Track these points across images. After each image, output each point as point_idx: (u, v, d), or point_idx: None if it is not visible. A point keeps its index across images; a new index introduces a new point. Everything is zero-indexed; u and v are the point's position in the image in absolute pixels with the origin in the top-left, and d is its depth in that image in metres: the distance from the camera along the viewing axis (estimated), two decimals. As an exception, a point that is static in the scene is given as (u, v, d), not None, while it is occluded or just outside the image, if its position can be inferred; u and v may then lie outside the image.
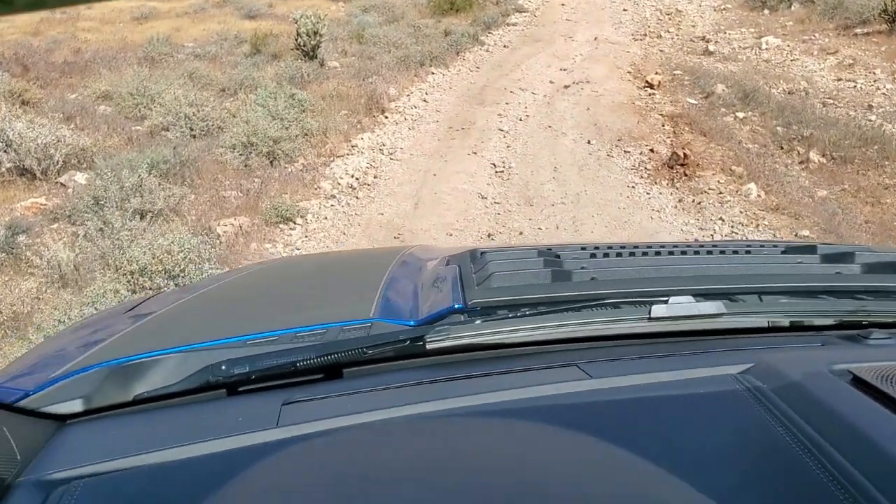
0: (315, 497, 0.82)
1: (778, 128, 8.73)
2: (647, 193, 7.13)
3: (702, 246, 1.67)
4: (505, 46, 14.00)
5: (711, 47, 12.90)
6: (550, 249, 1.59)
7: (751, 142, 8.47)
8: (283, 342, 1.35)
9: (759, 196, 6.84)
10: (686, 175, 7.37)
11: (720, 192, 6.99)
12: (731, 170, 7.42)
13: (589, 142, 8.56)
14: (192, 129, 9.23)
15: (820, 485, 0.82)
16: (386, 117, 9.83)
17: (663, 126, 9.06)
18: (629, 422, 1.03)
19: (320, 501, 0.80)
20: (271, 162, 8.27)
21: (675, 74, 11.42)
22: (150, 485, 0.98)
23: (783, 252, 1.63)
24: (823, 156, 7.82)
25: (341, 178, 7.86)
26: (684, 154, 7.57)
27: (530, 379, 1.17)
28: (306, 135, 8.93)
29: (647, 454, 0.91)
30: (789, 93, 10.15)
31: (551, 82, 11.31)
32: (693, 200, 6.89)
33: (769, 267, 1.51)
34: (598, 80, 11.27)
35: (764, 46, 12.69)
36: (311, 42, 12.26)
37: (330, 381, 1.27)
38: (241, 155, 8.25)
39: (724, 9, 16.05)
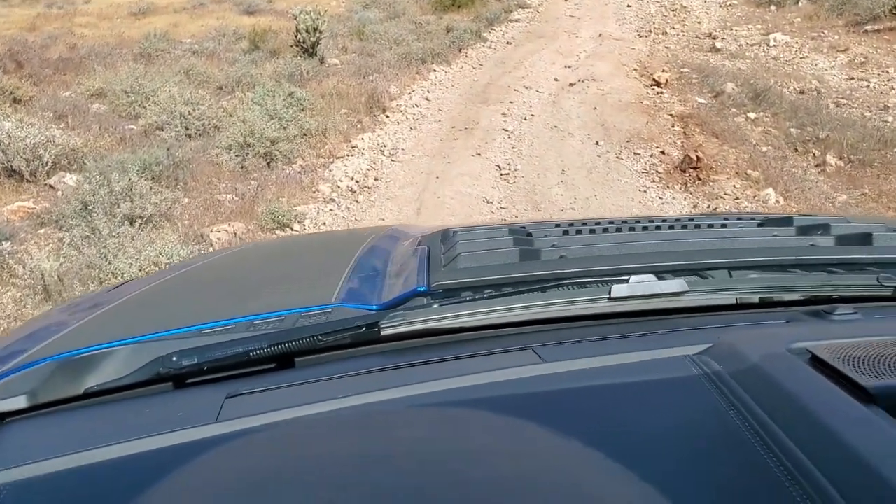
0: (240, 496, 0.76)
1: (791, 129, 8.37)
2: (660, 198, 6.78)
3: (678, 220, 1.62)
4: (508, 43, 13.63)
5: (718, 44, 12.53)
6: (524, 227, 1.55)
7: (764, 144, 8.12)
8: (238, 331, 1.28)
9: (777, 202, 6.48)
10: (700, 179, 7.01)
11: (736, 198, 6.63)
12: (746, 174, 7.07)
13: (597, 143, 8.20)
14: (187, 129, 8.87)
15: (767, 471, 0.78)
16: (387, 116, 9.47)
17: (673, 127, 8.70)
18: (578, 407, 0.99)
19: (246, 497, 0.75)
20: (268, 163, 7.92)
21: (682, 72, 11.06)
22: (81, 484, 0.93)
23: (759, 224, 1.58)
24: (841, 158, 7.47)
25: (341, 181, 7.50)
26: (697, 157, 7.22)
27: (483, 364, 1.13)
28: (305, 135, 8.58)
29: (593, 441, 0.86)
30: (801, 92, 9.79)
31: (556, 80, 10.94)
32: (709, 206, 6.54)
33: (742, 241, 1.46)
34: (603, 77, 10.90)
35: (772, 43, 12.32)
36: (311, 39, 11.90)
37: (281, 372, 1.21)
38: (237, 156, 7.89)
39: (730, 5, 15.67)
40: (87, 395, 1.20)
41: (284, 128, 8.46)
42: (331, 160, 8.12)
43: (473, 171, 7.62)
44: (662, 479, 0.79)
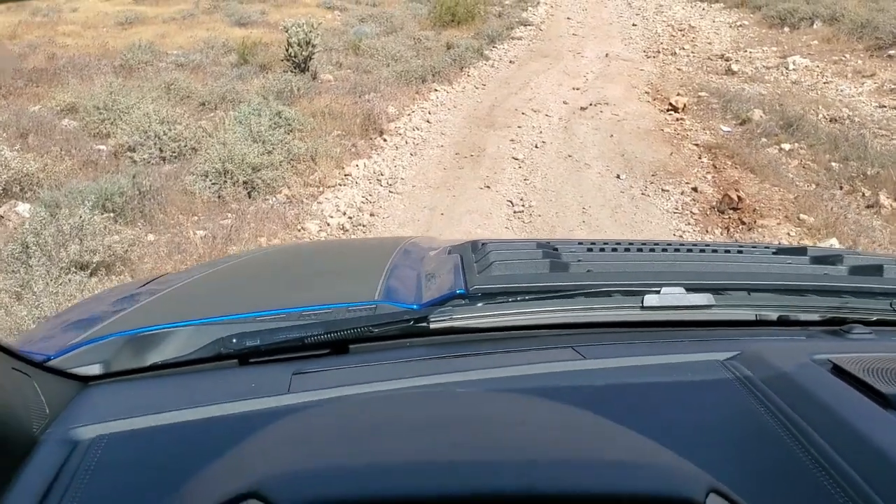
0: (320, 446, 0.76)
1: (833, 163, 7.28)
2: (700, 246, 5.65)
3: (695, 244, 1.64)
4: (511, 62, 12.52)
5: (734, 67, 11.47)
6: (549, 243, 1.59)
7: (804, 180, 7.03)
8: (290, 320, 1.33)
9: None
10: (743, 223, 5.90)
11: (791, 248, 5.51)
12: (798, 218, 5.96)
13: (618, 176, 7.09)
14: (161, 151, 7.71)
15: (799, 463, 0.84)
16: (384, 140, 8.32)
17: (700, 158, 7.60)
18: (618, 398, 1.03)
19: (325, 450, 0.75)
20: (249, 193, 6.76)
21: (700, 96, 9.97)
22: (169, 441, 0.99)
23: (774, 253, 1.62)
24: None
25: (331, 217, 6.35)
26: (738, 197, 6.11)
27: (526, 358, 1.17)
28: (292, 160, 7.42)
29: (636, 424, 0.84)
30: (832, 120, 8.72)
31: (565, 103, 9.83)
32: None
33: (759, 266, 1.51)
34: (616, 101, 9.80)
35: (791, 67, 11.27)
36: (303, 53, 10.75)
37: (337, 356, 1.26)
38: (213, 184, 6.73)
39: (741, 25, 14.63)
40: (154, 368, 1.23)
41: (269, 152, 7.31)
42: (320, 190, 6.97)
43: (483, 207, 6.49)
44: (701, 465, 0.76)
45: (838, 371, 1.01)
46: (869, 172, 6.90)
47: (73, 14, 17.00)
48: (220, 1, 17.95)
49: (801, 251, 1.62)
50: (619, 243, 1.61)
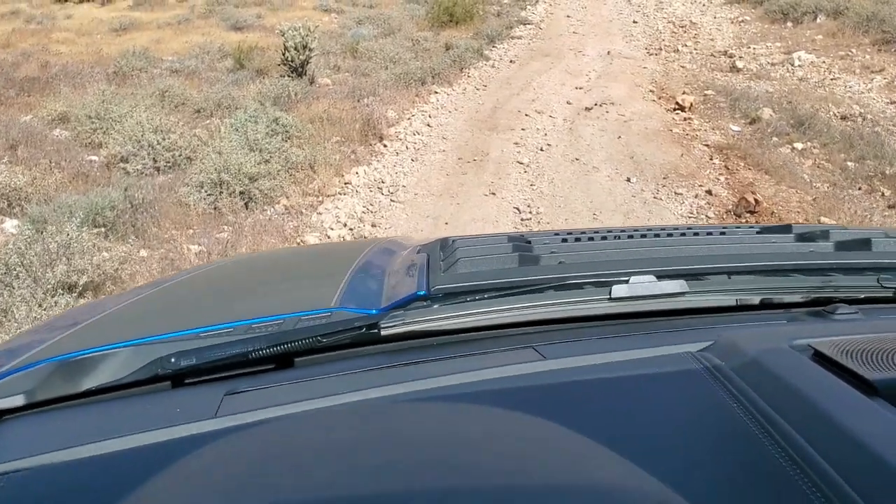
0: (238, 482, 0.72)
1: (848, 163, 6.99)
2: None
3: (676, 229, 1.54)
4: (511, 62, 12.23)
5: (739, 63, 11.17)
6: (522, 236, 1.50)
7: (819, 180, 6.74)
8: (236, 334, 1.23)
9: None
10: (762, 228, 5.60)
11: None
12: (819, 221, 5.67)
13: (628, 179, 6.80)
14: (155, 161, 7.42)
15: (774, 462, 0.76)
16: (384, 146, 8.03)
17: (711, 160, 7.31)
18: (581, 401, 0.96)
19: (243, 486, 0.70)
20: (246, 204, 6.47)
21: (706, 95, 9.68)
22: (79, 477, 0.90)
23: (758, 233, 1.54)
24: (917, 200, 6.11)
25: (331, 228, 6.06)
26: (755, 200, 5.82)
27: (483, 362, 1.09)
28: (290, 168, 7.13)
29: (597, 434, 0.82)
30: (843, 118, 8.43)
31: (569, 103, 9.54)
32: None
33: (741, 247, 1.41)
34: (621, 101, 9.51)
35: (797, 63, 10.97)
36: (300, 57, 10.46)
37: (280, 371, 1.17)
38: (209, 195, 6.44)
39: (743, 21, 14.33)
40: (86, 394, 1.15)
41: (266, 161, 7.02)
42: (320, 200, 6.68)
43: (488, 214, 6.20)
44: (668, 470, 0.74)
45: (819, 357, 0.93)
46: (888, 172, 6.61)
47: (68, 21, 16.72)
48: (215, 5, 17.67)
49: (786, 229, 1.52)
50: (596, 232, 1.51)
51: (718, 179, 6.76)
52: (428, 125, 8.69)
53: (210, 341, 1.21)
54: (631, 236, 1.49)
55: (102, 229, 5.82)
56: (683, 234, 1.50)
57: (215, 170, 6.55)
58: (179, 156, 7.52)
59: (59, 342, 1.39)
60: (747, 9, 15.10)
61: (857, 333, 1.02)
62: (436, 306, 1.23)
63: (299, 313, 1.31)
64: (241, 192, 6.46)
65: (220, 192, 6.45)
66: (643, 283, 1.24)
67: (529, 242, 1.44)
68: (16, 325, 4.01)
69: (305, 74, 10.48)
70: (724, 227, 1.62)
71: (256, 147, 7.16)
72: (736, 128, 8.25)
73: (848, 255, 1.36)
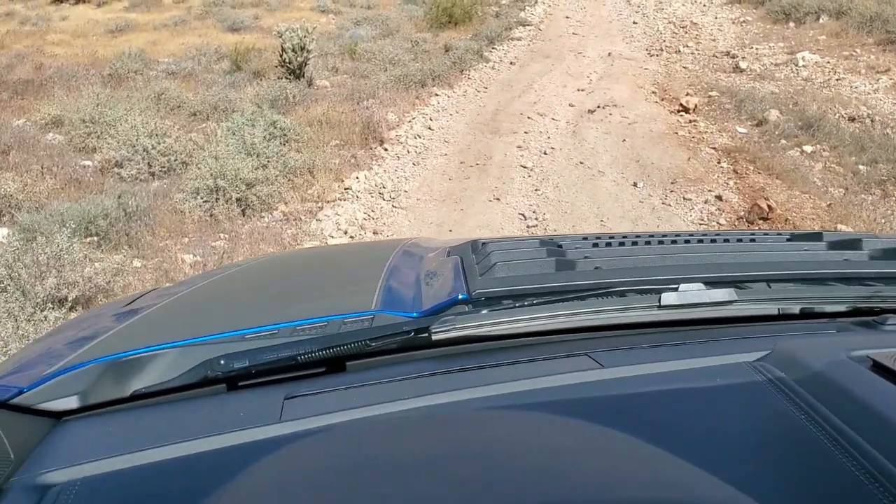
0: (318, 492, 0.70)
1: (860, 166, 6.78)
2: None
3: (705, 234, 1.53)
4: (512, 63, 12.01)
5: (742, 64, 10.95)
6: (552, 240, 1.49)
7: (831, 184, 6.53)
8: (283, 336, 1.24)
9: None
10: (776, 235, 5.39)
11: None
12: (836, 229, 5.46)
13: (635, 184, 6.58)
14: (150, 166, 7.20)
15: (847, 473, 0.75)
16: (385, 149, 7.80)
17: (719, 163, 7.09)
18: (645, 411, 0.93)
19: (323, 496, 0.69)
20: (243, 211, 6.24)
21: (710, 96, 9.47)
22: (149, 483, 0.89)
23: (788, 240, 1.51)
24: (933, 205, 5.90)
25: (331, 236, 5.83)
26: (769, 206, 5.61)
27: (540, 369, 1.07)
28: (289, 173, 6.91)
29: (664, 444, 0.80)
30: (850, 119, 8.22)
31: (571, 105, 9.32)
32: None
33: (776, 255, 1.39)
34: (624, 102, 9.30)
35: (801, 63, 10.76)
36: (298, 59, 10.23)
37: (333, 375, 1.16)
38: (205, 202, 6.21)
39: (744, 21, 14.12)
40: (136, 397, 1.14)
41: (264, 166, 6.80)
42: (319, 206, 6.45)
43: (493, 221, 5.98)
44: (738, 481, 0.72)
45: (880, 368, 0.91)
46: (900, 175, 6.41)
47: (63, 23, 16.48)
48: (212, 6, 17.43)
49: (816, 236, 1.51)
50: (625, 236, 1.49)
51: (728, 184, 6.55)
52: (429, 128, 8.46)
53: (255, 343, 1.19)
54: (661, 242, 1.45)
55: (95, 238, 5.60)
56: (714, 241, 1.48)
57: (211, 175, 6.32)
58: (175, 160, 7.30)
59: (104, 342, 1.37)
60: (748, 9, 14.89)
61: None
62: (481, 311, 1.20)
63: (342, 315, 1.29)
64: (237, 199, 6.24)
65: (217, 199, 6.22)
66: (692, 292, 1.21)
67: (561, 246, 1.42)
68: (1, 343, 3.78)
69: (303, 76, 10.26)
70: (753, 234, 1.58)
71: (253, 152, 6.94)
72: (743, 130, 8.04)
73: (887, 265, 1.34)
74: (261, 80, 10.57)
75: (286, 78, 10.22)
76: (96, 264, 4.79)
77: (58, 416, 1.10)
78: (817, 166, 6.96)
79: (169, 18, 16.52)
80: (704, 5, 16.15)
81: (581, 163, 7.18)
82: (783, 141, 7.55)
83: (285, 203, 6.45)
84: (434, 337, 1.16)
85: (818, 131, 7.59)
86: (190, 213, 6.06)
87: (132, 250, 5.59)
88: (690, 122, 8.41)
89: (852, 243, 1.43)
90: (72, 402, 1.11)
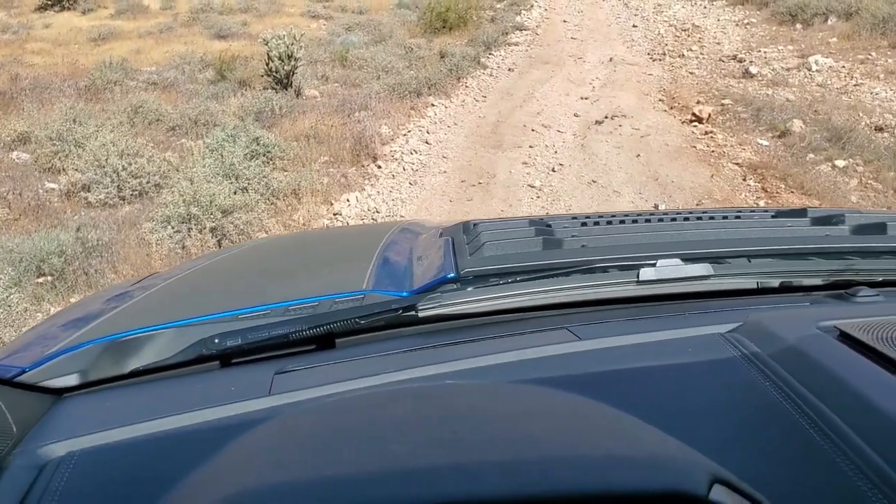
0: (304, 456, 0.70)
1: (901, 182, 6.01)
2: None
3: (691, 212, 1.55)
4: (510, 70, 11.20)
5: (752, 69, 10.16)
6: (542, 220, 1.50)
7: (871, 203, 5.76)
8: (275, 315, 1.25)
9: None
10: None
11: None
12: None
13: (656, 206, 5.78)
14: (120, 189, 6.37)
15: (808, 437, 0.78)
16: (379, 167, 6.98)
17: (745, 180, 6.30)
18: (618, 381, 0.96)
19: (309, 460, 0.68)
20: (219, 241, 5.43)
21: (723, 104, 8.69)
22: (145, 453, 0.91)
23: (773, 216, 1.51)
24: None
25: (318, 272, 5.02)
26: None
27: (520, 342, 1.09)
28: (272, 196, 6.09)
29: (636, 409, 0.80)
30: (877, 129, 7.44)
31: (576, 115, 8.53)
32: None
33: (758, 231, 1.41)
34: (632, 112, 8.50)
35: (814, 68, 9.98)
36: (285, 67, 9.40)
37: (323, 352, 1.18)
38: (176, 232, 5.39)
39: (749, 23, 13.35)
40: (134, 374, 1.17)
41: (244, 189, 5.98)
42: (305, 234, 5.63)
43: (500, 253, 5.17)
44: (706, 448, 0.71)
45: (845, 338, 0.92)
46: (950, 194, 5.63)
47: (45, 31, 15.58)
48: (199, 13, 16.57)
49: (801, 213, 1.49)
50: (614, 216, 1.49)
51: (758, 204, 5.75)
52: (426, 142, 7.64)
53: (249, 323, 1.18)
54: (648, 220, 1.44)
55: (49, 278, 4.79)
56: (700, 219, 1.47)
57: (184, 202, 5.50)
58: (147, 183, 6.47)
59: (103, 323, 1.37)
60: (752, 10, 14.13)
61: (879, 315, 1.00)
62: (467, 289, 1.21)
63: (334, 295, 1.29)
64: (212, 229, 5.41)
65: (190, 229, 5.40)
66: (670, 267, 1.21)
67: (550, 226, 1.41)
68: None
69: (291, 86, 9.43)
70: (739, 211, 1.55)
71: (233, 173, 6.12)
72: (765, 142, 7.25)
73: (866, 239, 1.33)
74: (246, 90, 9.73)
75: (272, 88, 9.38)
76: (38, 316, 3.97)
77: (59, 392, 1.11)
78: (852, 182, 6.18)
79: (155, 26, 15.63)
80: (705, 7, 15.38)
81: (594, 181, 6.37)
82: (811, 155, 6.76)
83: (266, 232, 5.63)
84: (421, 314, 1.16)
85: (849, 143, 6.81)
86: (158, 246, 5.23)
87: (90, 291, 4.77)
88: (707, 133, 7.62)
89: (835, 219, 1.42)
90: (72, 380, 1.12)
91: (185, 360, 1.15)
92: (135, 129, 7.94)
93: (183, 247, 5.31)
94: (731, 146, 7.15)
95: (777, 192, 5.95)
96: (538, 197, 6.13)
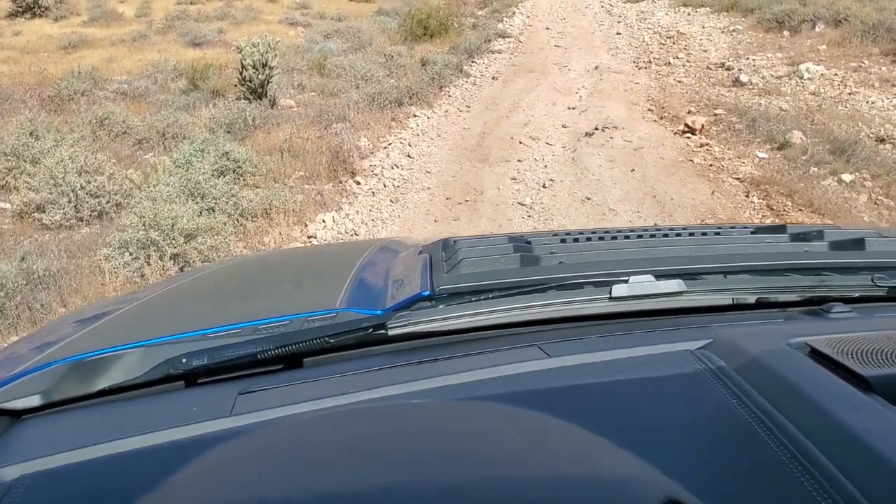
0: (256, 479, 0.69)
1: (912, 198, 5.56)
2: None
3: (671, 229, 1.48)
4: (494, 78, 10.70)
5: (743, 77, 9.74)
6: (523, 237, 1.44)
7: (884, 220, 5.31)
8: (245, 334, 1.19)
9: None
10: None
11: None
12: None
13: (656, 226, 5.29)
14: (77, 210, 5.78)
15: (773, 457, 0.75)
16: (357, 183, 6.44)
17: (748, 197, 5.83)
18: (585, 398, 0.94)
19: (262, 483, 0.67)
20: (182, 268, 4.86)
21: (716, 114, 8.24)
22: (99, 475, 0.88)
23: (753, 232, 1.48)
24: None
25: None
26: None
27: (489, 360, 1.06)
28: (241, 216, 5.54)
29: (601, 429, 0.80)
30: (879, 140, 7.02)
31: (564, 126, 8.04)
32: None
33: (736, 247, 1.37)
34: (621, 122, 8.03)
35: (806, 76, 9.57)
36: (259, 76, 8.83)
37: (290, 371, 1.13)
38: (134, 258, 4.82)
39: (734, 30, 12.95)
40: (100, 394, 1.12)
41: (210, 209, 5.43)
42: (277, 260, 5.08)
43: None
44: (670, 466, 0.72)
45: (816, 354, 0.90)
46: (969, 212, 5.19)
47: (14, 38, 14.89)
48: (174, 20, 15.94)
49: (780, 229, 1.46)
50: (594, 232, 1.44)
51: (765, 224, 5.28)
52: (408, 156, 7.11)
53: (219, 342, 1.16)
54: (628, 237, 1.41)
55: (-13, 315, 4.21)
56: (679, 235, 1.44)
57: (143, 226, 4.93)
58: (107, 203, 5.88)
59: (70, 343, 1.32)
60: (737, 17, 13.75)
61: (852, 331, 0.99)
62: (440, 306, 1.18)
63: (306, 314, 1.26)
64: (173, 255, 4.85)
65: (149, 256, 4.83)
66: (642, 283, 1.19)
67: (529, 243, 1.38)
68: None
69: (265, 96, 8.86)
70: (718, 228, 1.54)
71: (198, 192, 5.56)
72: (763, 155, 6.79)
73: (842, 255, 1.31)
74: (219, 100, 9.15)
75: (246, 98, 8.81)
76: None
77: (17, 414, 1.07)
78: (861, 198, 5.74)
79: (128, 33, 14.98)
80: (689, 14, 14.99)
81: (588, 198, 5.87)
82: (814, 168, 6.31)
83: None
84: (391, 332, 1.14)
85: (853, 156, 6.36)
86: (113, 276, 4.66)
87: (35, 328, 4.20)
88: (703, 146, 7.15)
89: (814, 235, 1.39)
90: (33, 401, 1.08)
91: (151, 379, 1.11)
92: (98, 143, 7.35)
93: (142, 275, 4.74)
94: (730, 159, 6.68)
95: (784, 210, 5.48)
96: (529, 216, 5.62)
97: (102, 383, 1.11)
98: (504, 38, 13.69)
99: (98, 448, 0.90)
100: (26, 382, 1.11)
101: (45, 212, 5.78)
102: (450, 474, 0.62)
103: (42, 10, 17.57)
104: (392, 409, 0.91)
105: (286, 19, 16.20)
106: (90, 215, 5.80)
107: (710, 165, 6.53)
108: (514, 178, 6.39)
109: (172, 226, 4.93)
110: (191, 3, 18.84)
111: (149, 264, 4.78)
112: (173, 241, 4.86)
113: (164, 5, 18.41)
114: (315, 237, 5.35)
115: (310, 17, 16.64)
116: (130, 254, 4.84)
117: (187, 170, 5.97)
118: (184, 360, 1.09)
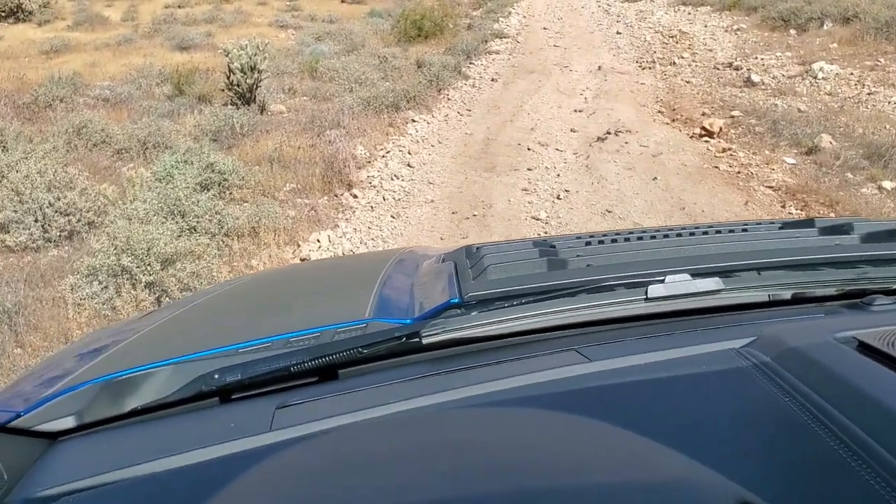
0: (304, 494, 0.69)
1: (966, 208, 4.97)
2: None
3: (697, 227, 1.42)
4: (493, 80, 10.06)
5: (755, 77, 9.14)
6: (546, 241, 1.43)
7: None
8: (276, 348, 1.16)
9: None
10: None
11: None
12: None
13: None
14: (45, 230, 5.11)
15: (831, 452, 0.71)
16: (354, 196, 5.78)
17: (784, 207, 5.22)
18: (631, 402, 0.89)
19: (314, 498, 0.67)
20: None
21: (733, 116, 7.63)
22: (142, 495, 0.85)
23: (780, 228, 1.42)
24: None
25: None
26: None
27: (528, 366, 1.01)
28: (226, 236, 4.89)
29: (651, 433, 0.76)
30: (910, 142, 6.43)
31: (573, 130, 7.42)
32: None
33: (767, 243, 1.31)
34: (632, 126, 7.41)
35: (820, 75, 8.98)
36: (248, 80, 8.16)
37: (325, 383, 1.08)
38: (104, 288, 4.16)
39: (738, 29, 12.35)
40: (132, 414, 1.07)
41: (192, 229, 4.77)
42: (266, 286, 4.44)
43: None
44: (726, 465, 0.69)
45: (865, 348, 0.85)
46: None
47: (-4, 43, 14.15)
48: (161, 24, 15.23)
49: (808, 223, 1.41)
50: (618, 234, 1.41)
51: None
52: (408, 165, 6.46)
53: (249, 357, 1.11)
54: (653, 237, 1.37)
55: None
56: (706, 233, 1.38)
57: (115, 250, 4.26)
58: (79, 221, 5.21)
59: (99, 363, 1.29)
60: (740, 16, 13.16)
61: None
62: (471, 314, 1.12)
63: (336, 325, 1.22)
64: (148, 284, 4.19)
65: (121, 285, 4.17)
66: (679, 283, 1.13)
67: (554, 247, 1.35)
68: None
69: (254, 101, 8.19)
70: (745, 224, 1.49)
71: (179, 210, 4.90)
72: (791, 160, 6.18)
73: (878, 247, 1.25)
74: (205, 105, 8.47)
75: (234, 103, 8.14)
76: None
77: (53, 436, 1.04)
78: (906, 208, 5.13)
79: (113, 37, 14.26)
80: (689, 13, 14.40)
81: (609, 211, 5.24)
82: (849, 175, 5.71)
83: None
84: (424, 341, 1.09)
85: (892, 161, 5.76)
86: (78, 309, 4.00)
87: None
88: (725, 150, 6.54)
89: (843, 228, 1.35)
90: (68, 423, 1.05)
91: (183, 397, 1.06)
92: (74, 153, 6.67)
93: (112, 307, 4.08)
94: (758, 165, 6.06)
95: (827, 223, 4.87)
96: (545, 232, 4.99)
97: (134, 402, 1.08)
98: (501, 38, 13.05)
99: (139, 468, 0.86)
100: (59, 404, 1.08)
101: (8, 232, 5.10)
102: (507, 485, 0.59)
103: (26, 14, 16.83)
104: (439, 418, 0.88)
105: (276, 22, 15.52)
106: (59, 236, 5.13)
107: (738, 173, 5.91)
108: (525, 189, 5.76)
109: (148, 250, 4.25)
110: (179, 6, 18.14)
111: (119, 295, 4.12)
112: (148, 268, 4.19)
113: (151, 9, 17.71)
114: (308, 258, 4.70)
115: (300, 19, 15.97)
116: (100, 282, 4.17)
117: (168, 183, 5.32)
118: (216, 376, 1.05)
